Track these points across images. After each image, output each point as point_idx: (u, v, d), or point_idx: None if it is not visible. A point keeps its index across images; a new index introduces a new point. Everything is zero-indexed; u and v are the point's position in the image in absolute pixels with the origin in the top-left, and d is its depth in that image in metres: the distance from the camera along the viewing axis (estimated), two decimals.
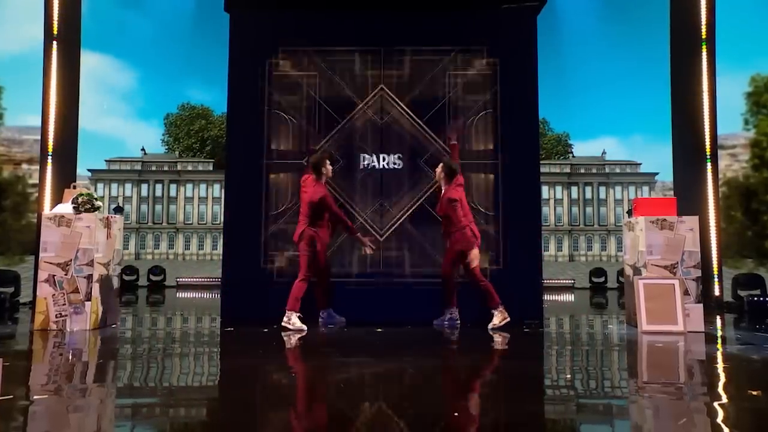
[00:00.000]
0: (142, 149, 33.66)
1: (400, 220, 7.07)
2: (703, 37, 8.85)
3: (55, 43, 8.47)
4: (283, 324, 5.77)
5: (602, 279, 14.11)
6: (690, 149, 8.91)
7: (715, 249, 8.53)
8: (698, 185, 8.69)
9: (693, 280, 6.00)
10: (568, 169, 33.52)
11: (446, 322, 6.04)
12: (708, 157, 8.72)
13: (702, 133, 8.77)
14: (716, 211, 8.61)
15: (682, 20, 9.11)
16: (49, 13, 8.55)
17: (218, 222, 31.73)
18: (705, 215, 8.41)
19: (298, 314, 5.83)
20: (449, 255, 6.08)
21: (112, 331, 5.86)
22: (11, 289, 7.71)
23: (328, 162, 6.12)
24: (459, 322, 6.06)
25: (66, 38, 8.62)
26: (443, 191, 6.19)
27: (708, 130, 8.76)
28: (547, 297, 8.71)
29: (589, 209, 33.81)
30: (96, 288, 5.77)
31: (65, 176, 8.15)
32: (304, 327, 5.79)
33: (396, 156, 7.16)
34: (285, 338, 5.48)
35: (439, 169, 6.24)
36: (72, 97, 8.77)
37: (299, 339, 5.46)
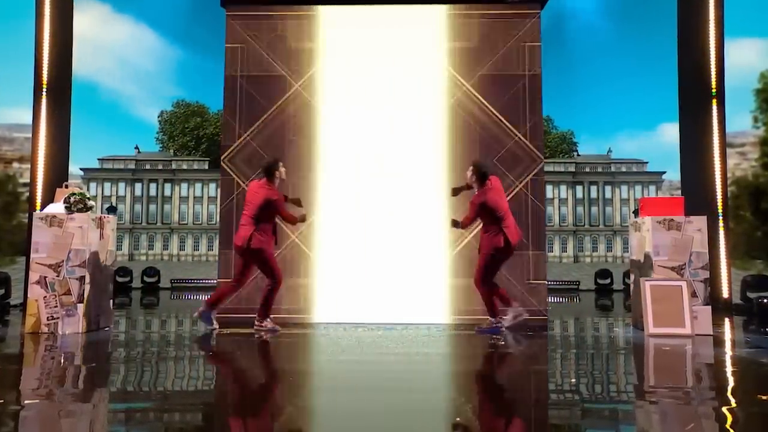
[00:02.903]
0: (136, 147, 33.47)
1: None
2: (712, 25, 8.73)
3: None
4: (255, 329, 5.88)
5: (608, 280, 13.99)
6: (698, 147, 8.80)
7: (724, 250, 8.41)
8: (706, 184, 8.58)
9: (701, 281, 5.90)
10: (572, 168, 33.37)
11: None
12: (716, 154, 8.61)
13: (710, 131, 8.66)
14: (724, 211, 8.50)
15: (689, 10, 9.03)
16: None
17: (214, 222, 31.66)
18: (713, 215, 8.30)
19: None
20: None
21: (105, 334, 5.78)
22: (1, 291, 7.64)
23: (281, 165, 6.02)
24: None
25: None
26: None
27: (717, 128, 8.65)
28: (551, 299, 8.62)
29: (594, 209, 33.67)
30: (88, 290, 5.69)
31: (57, 175, 8.08)
32: (278, 327, 5.92)
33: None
34: (280, 339, 5.43)
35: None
36: (64, 93, 8.68)
37: (291, 341, 5.39)
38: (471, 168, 6.04)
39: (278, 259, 6.24)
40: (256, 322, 5.90)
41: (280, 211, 5.86)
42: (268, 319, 5.92)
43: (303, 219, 6.15)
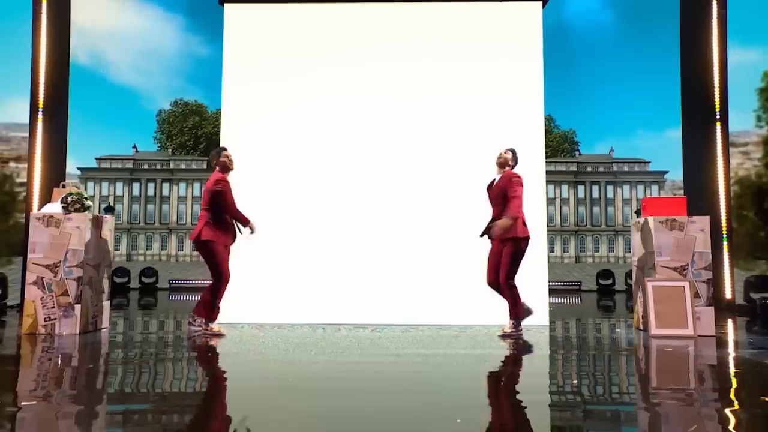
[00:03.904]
0: (134, 147, 33.29)
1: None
2: (715, 24, 8.67)
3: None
4: (197, 330, 5.61)
5: (610, 281, 13.92)
6: (701, 147, 8.76)
7: (727, 250, 8.38)
8: (709, 184, 8.54)
9: (704, 282, 5.85)
10: (574, 168, 33.29)
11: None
12: (719, 154, 8.57)
13: (713, 130, 8.62)
14: (728, 211, 8.46)
15: (692, 9, 8.98)
16: None
17: None
18: (716, 215, 8.26)
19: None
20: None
21: (102, 335, 5.74)
22: None
23: (225, 151, 5.83)
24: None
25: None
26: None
27: (719, 127, 8.61)
28: (552, 300, 8.57)
29: (596, 209, 33.59)
30: (86, 290, 5.65)
31: (54, 175, 8.06)
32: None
33: None
34: (280, 340, 5.39)
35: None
36: (62, 91, 8.65)
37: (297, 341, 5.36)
38: (510, 151, 5.84)
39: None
40: (200, 324, 5.59)
41: (223, 202, 5.60)
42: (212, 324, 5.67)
43: (249, 227, 5.74)
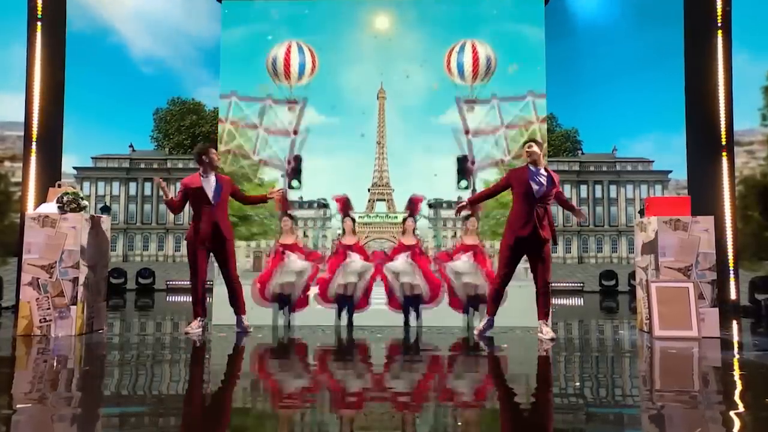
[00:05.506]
0: (130, 146, 33.09)
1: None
2: (719, 22, 8.62)
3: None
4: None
5: (613, 282, 13.88)
6: (705, 146, 8.72)
7: (731, 250, 8.32)
8: (713, 184, 8.49)
9: (708, 283, 5.80)
10: (576, 167, 33.22)
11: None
12: (724, 154, 8.51)
13: (717, 129, 8.57)
14: (732, 211, 8.40)
15: (696, 6, 8.92)
16: None
17: None
18: (720, 215, 8.20)
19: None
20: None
21: (98, 337, 5.70)
22: None
23: (212, 150, 5.99)
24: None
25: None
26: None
27: (724, 126, 8.56)
28: (554, 301, 8.53)
29: (599, 209, 33.49)
30: (82, 291, 5.61)
31: (50, 174, 7.97)
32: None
33: None
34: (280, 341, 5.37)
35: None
36: (58, 89, 8.59)
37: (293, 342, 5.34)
38: (535, 143, 5.81)
39: None
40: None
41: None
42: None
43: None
